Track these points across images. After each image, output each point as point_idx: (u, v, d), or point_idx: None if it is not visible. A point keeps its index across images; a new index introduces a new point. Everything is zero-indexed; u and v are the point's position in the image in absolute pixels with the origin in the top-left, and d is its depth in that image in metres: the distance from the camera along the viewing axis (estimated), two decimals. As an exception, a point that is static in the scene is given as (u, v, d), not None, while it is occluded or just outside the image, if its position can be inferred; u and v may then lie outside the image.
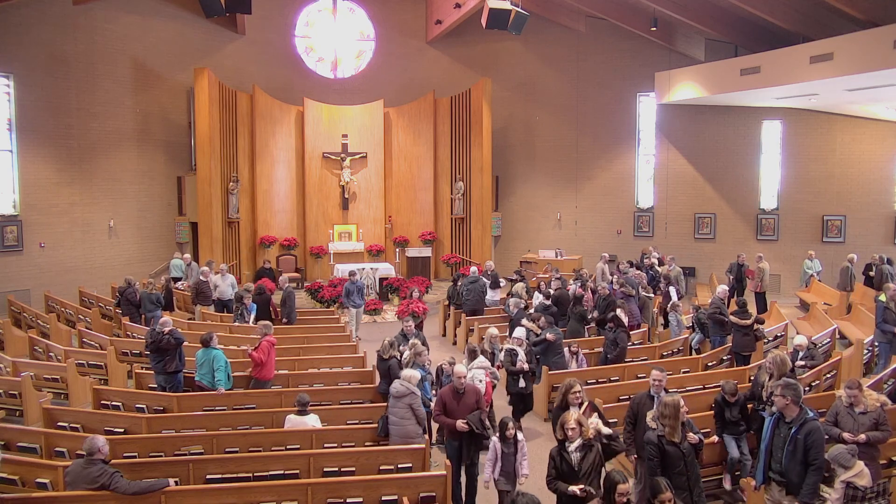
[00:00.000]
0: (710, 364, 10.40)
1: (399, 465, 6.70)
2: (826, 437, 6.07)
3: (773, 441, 5.73)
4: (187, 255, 16.70)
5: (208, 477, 6.42)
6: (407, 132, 20.41)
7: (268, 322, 9.76)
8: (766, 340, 11.01)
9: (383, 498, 6.09)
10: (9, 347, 11.84)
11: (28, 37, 15.68)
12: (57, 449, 7.09)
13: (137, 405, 8.42)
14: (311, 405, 7.65)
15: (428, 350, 8.61)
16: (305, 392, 7.87)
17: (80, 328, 12.39)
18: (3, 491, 6.14)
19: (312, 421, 7.39)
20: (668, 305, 12.64)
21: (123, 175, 17.72)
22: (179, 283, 15.76)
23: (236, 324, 12.26)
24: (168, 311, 13.11)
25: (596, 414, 6.27)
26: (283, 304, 12.88)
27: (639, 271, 14.24)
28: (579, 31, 19.77)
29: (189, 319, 13.40)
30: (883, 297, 10.59)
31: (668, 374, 7.42)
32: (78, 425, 7.77)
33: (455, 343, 13.39)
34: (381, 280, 16.98)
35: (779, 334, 11.98)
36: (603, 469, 5.56)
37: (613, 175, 20.20)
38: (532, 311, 11.09)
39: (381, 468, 6.67)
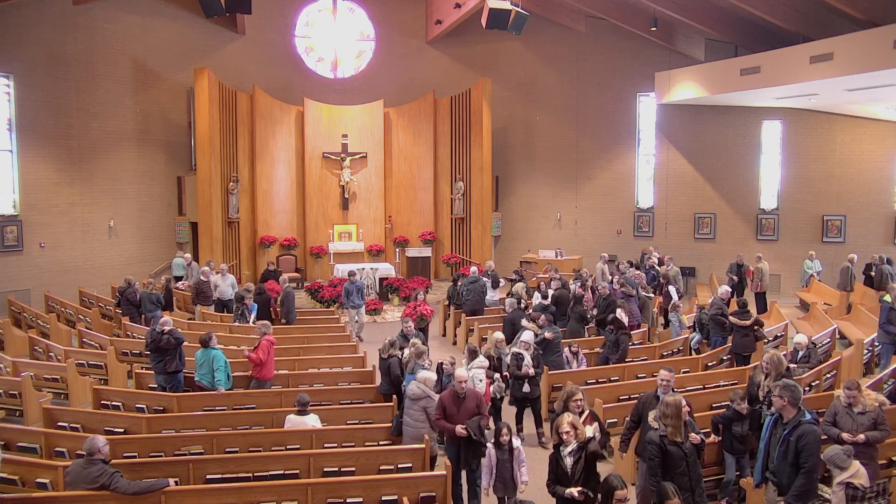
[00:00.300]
0: (710, 364, 10.40)
1: (399, 465, 6.71)
2: (824, 437, 6.07)
3: (770, 441, 5.72)
4: (188, 255, 16.71)
5: (208, 477, 6.42)
6: (407, 132, 20.41)
7: (266, 322, 9.78)
8: (766, 341, 11.01)
9: (383, 498, 6.09)
10: (9, 347, 11.85)
11: (28, 37, 15.68)
12: (57, 449, 7.09)
13: (137, 405, 8.42)
14: (311, 405, 7.64)
15: (428, 350, 8.60)
16: (305, 392, 7.87)
17: (80, 328, 12.39)
18: (3, 491, 6.14)
19: (312, 421, 7.39)
20: (669, 305, 12.64)
21: (123, 175, 17.73)
22: (181, 282, 15.79)
23: (236, 324, 12.27)
24: (168, 311, 13.11)
25: (596, 424, 6.22)
26: (282, 304, 12.88)
27: (637, 271, 14.24)
28: (579, 31, 19.77)
29: (189, 319, 13.41)
30: (888, 298, 10.58)
31: (668, 375, 7.38)
32: (78, 425, 7.77)
33: (455, 343, 13.39)
34: (381, 280, 16.99)
35: (779, 334, 11.99)
36: (599, 474, 5.54)
37: (613, 175, 20.20)
38: (531, 311, 11.08)
39: (381, 468, 6.67)
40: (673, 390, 6.50)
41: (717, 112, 18.63)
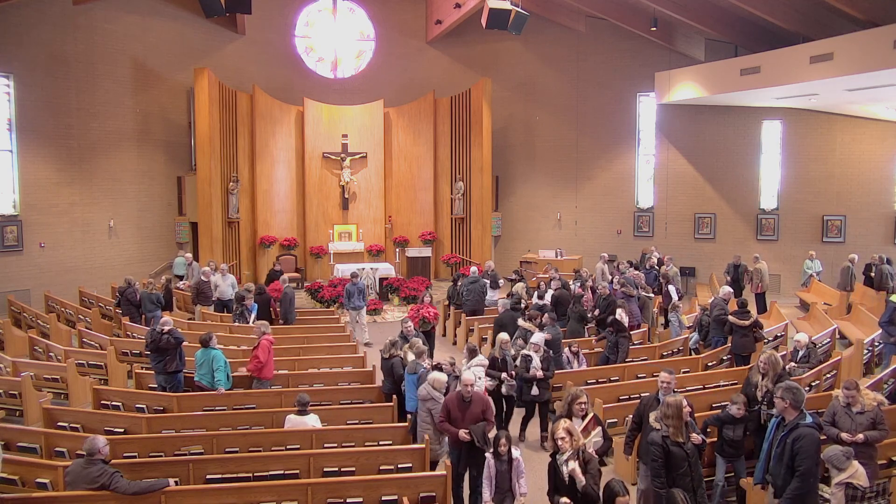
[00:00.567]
0: (710, 364, 10.41)
1: (399, 465, 6.71)
2: (824, 437, 6.07)
3: (773, 442, 5.71)
4: (189, 255, 16.72)
5: (208, 477, 6.42)
6: (407, 132, 20.41)
7: (265, 322, 9.79)
8: (766, 341, 11.01)
9: (383, 498, 6.09)
10: (9, 347, 11.85)
11: (28, 37, 15.69)
12: (57, 449, 7.09)
13: (137, 405, 8.43)
14: (311, 405, 7.65)
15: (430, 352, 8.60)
16: (305, 392, 7.87)
17: (80, 328, 12.39)
18: (3, 491, 6.14)
19: (312, 421, 7.40)
20: (669, 305, 12.64)
21: (123, 175, 17.73)
22: (182, 282, 15.79)
23: (236, 324, 12.27)
24: (168, 311, 13.11)
25: (599, 429, 6.18)
26: (281, 304, 12.88)
27: (637, 271, 14.24)
28: (579, 31, 19.77)
29: (189, 319, 13.41)
30: (894, 298, 10.57)
31: (667, 375, 7.37)
32: (78, 425, 7.78)
33: (455, 343, 13.39)
34: (381, 280, 16.99)
35: (779, 334, 11.99)
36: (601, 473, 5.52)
37: (613, 175, 20.20)
38: (529, 311, 11.07)
39: (381, 468, 6.67)
40: (674, 391, 6.49)
41: (717, 112, 18.62)
